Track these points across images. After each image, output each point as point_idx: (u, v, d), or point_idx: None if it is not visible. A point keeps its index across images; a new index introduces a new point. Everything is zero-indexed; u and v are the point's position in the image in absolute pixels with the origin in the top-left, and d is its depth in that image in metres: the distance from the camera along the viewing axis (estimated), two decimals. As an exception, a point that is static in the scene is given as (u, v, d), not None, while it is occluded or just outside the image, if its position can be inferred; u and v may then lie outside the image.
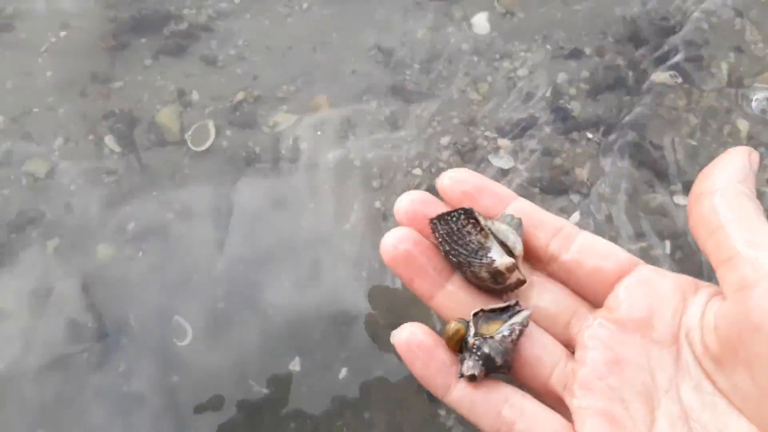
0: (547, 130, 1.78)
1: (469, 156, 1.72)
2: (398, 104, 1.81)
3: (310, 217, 1.62)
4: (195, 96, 1.77)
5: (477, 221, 0.60)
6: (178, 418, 1.39)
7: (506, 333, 0.57)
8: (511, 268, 0.59)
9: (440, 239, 0.62)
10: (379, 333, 1.48)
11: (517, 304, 0.60)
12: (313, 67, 1.86)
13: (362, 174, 1.69)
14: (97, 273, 1.52)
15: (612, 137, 1.76)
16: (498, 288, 0.61)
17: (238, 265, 1.56)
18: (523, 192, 1.67)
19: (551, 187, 1.69)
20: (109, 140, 1.69)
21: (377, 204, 1.64)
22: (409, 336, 0.59)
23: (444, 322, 0.63)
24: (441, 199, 0.70)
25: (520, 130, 1.77)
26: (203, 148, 1.68)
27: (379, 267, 1.56)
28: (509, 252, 0.60)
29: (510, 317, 0.59)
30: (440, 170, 1.70)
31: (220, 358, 1.45)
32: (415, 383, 1.44)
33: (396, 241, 0.62)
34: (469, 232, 0.60)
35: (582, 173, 1.70)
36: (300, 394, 1.43)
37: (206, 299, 1.51)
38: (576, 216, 1.64)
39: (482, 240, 0.60)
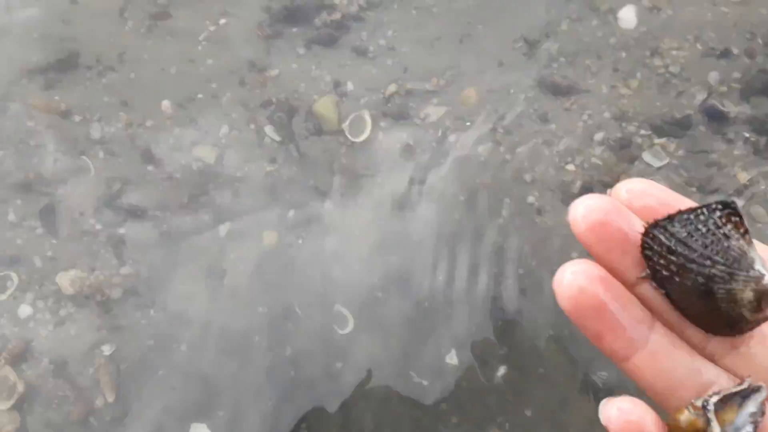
0: (702, 128, 1.75)
1: (623, 154, 1.71)
2: (546, 97, 1.80)
3: (463, 210, 1.64)
4: (350, 86, 1.80)
5: (741, 220, 0.43)
6: (344, 404, 1.44)
7: (750, 429, 0.42)
8: None
9: (673, 247, 0.44)
10: (539, 331, 1.50)
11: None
12: (460, 58, 1.87)
13: (513, 168, 1.70)
14: (264, 258, 1.58)
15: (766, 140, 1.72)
16: (752, 320, 0.44)
17: (392, 256, 1.59)
18: (679, 192, 1.65)
19: (706, 187, 1.67)
20: (269, 130, 1.74)
21: (530, 199, 1.65)
22: (626, 421, 0.43)
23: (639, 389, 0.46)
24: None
25: (674, 127, 1.75)
26: (361, 138, 1.72)
27: (536, 264, 1.57)
28: None
29: (743, 399, 0.43)
30: (593, 166, 1.69)
31: (380, 347, 1.49)
32: (578, 383, 1.45)
33: (578, 280, 0.43)
34: (727, 235, 0.43)
35: (740, 174, 1.67)
36: (459, 387, 1.46)
37: (364, 289, 1.55)
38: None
39: (745, 247, 0.43)
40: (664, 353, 0.45)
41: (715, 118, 1.75)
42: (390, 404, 1.44)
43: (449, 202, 1.65)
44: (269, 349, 1.48)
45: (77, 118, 1.75)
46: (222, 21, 1.90)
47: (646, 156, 1.70)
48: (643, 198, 0.46)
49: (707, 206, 0.44)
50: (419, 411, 1.43)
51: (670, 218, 0.44)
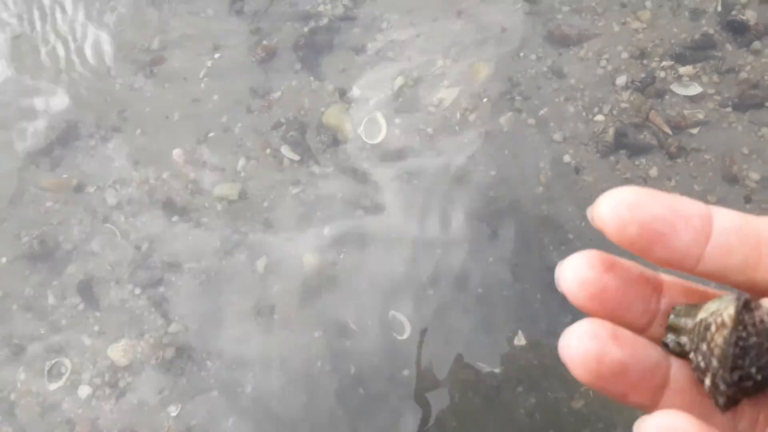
0: (727, 46, 1.74)
1: (650, 91, 1.70)
2: (558, 51, 1.81)
3: (497, 186, 1.65)
4: (355, 91, 1.83)
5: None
6: (420, 410, 1.47)
7: None
8: None
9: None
10: (601, 291, 1.50)
11: None
12: (461, 34, 1.88)
13: (540, 131, 1.71)
14: (309, 282, 1.61)
15: (798, 38, 1.71)
16: None
17: (436, 248, 1.61)
18: (716, 115, 1.65)
19: (743, 104, 1.66)
20: (286, 150, 1.78)
21: (566, 158, 1.66)
22: None
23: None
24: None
25: (697, 52, 1.74)
26: (378, 140, 1.75)
27: (584, 225, 1.58)
28: None
29: None
30: (622, 111, 1.70)
31: (442, 345, 1.52)
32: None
33: (592, 344, 0.40)
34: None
35: (776, 83, 1.65)
36: (531, 367, 1.48)
37: (414, 289, 1.58)
38: (787, 131, 1.61)
39: None
40: (686, 388, 0.43)
41: (738, 31, 1.74)
42: (466, 399, 1.46)
43: (481, 181, 1.66)
44: (334, 372, 1.52)
45: (91, 189, 1.81)
46: (217, 55, 1.95)
47: (677, 88, 1.70)
48: (635, 223, 0.40)
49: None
50: (496, 399, 1.45)
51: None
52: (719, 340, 0.40)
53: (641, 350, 0.41)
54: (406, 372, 1.51)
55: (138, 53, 1.98)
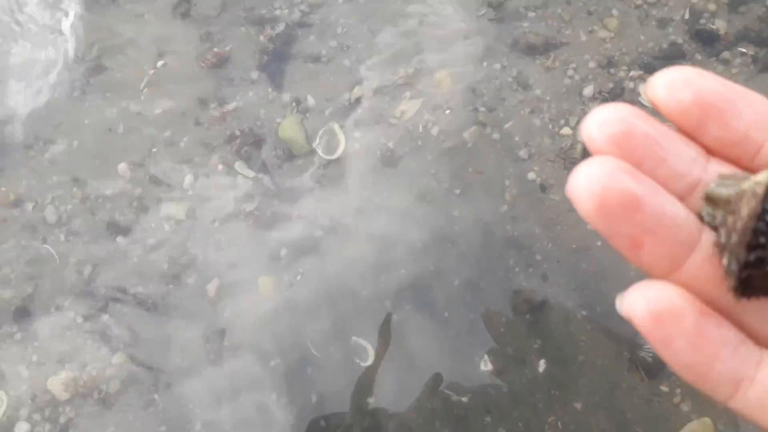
0: (696, 55, 1.74)
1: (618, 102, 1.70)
2: (524, 61, 1.80)
3: (461, 205, 1.63)
4: (311, 101, 1.79)
5: None
6: (385, 442, 1.44)
7: None
8: None
9: None
10: (570, 315, 1.49)
11: None
12: (422, 41, 1.86)
13: (504, 146, 1.69)
14: (265, 306, 1.57)
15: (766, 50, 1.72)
16: None
17: (399, 270, 1.58)
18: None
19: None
20: (240, 166, 1.73)
21: (531, 175, 1.64)
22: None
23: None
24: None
25: (666, 61, 1.74)
26: (337, 155, 1.71)
27: (551, 246, 1.56)
28: None
29: None
30: (590, 125, 1.68)
31: (406, 372, 1.49)
32: (625, 362, 1.44)
33: (601, 176, 0.35)
34: None
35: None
36: (500, 394, 1.46)
37: (377, 313, 1.55)
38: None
39: None
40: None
41: (707, 40, 1.74)
42: (433, 430, 1.43)
43: (444, 200, 1.64)
44: (291, 403, 1.48)
45: (29, 206, 1.74)
46: (160, 63, 1.89)
47: (644, 100, 1.69)
48: (691, 88, 0.38)
49: None
50: (464, 430, 1.42)
51: None
52: (745, 211, 0.36)
53: (663, 197, 0.37)
54: (371, 401, 1.48)
55: (75, 61, 1.91)
